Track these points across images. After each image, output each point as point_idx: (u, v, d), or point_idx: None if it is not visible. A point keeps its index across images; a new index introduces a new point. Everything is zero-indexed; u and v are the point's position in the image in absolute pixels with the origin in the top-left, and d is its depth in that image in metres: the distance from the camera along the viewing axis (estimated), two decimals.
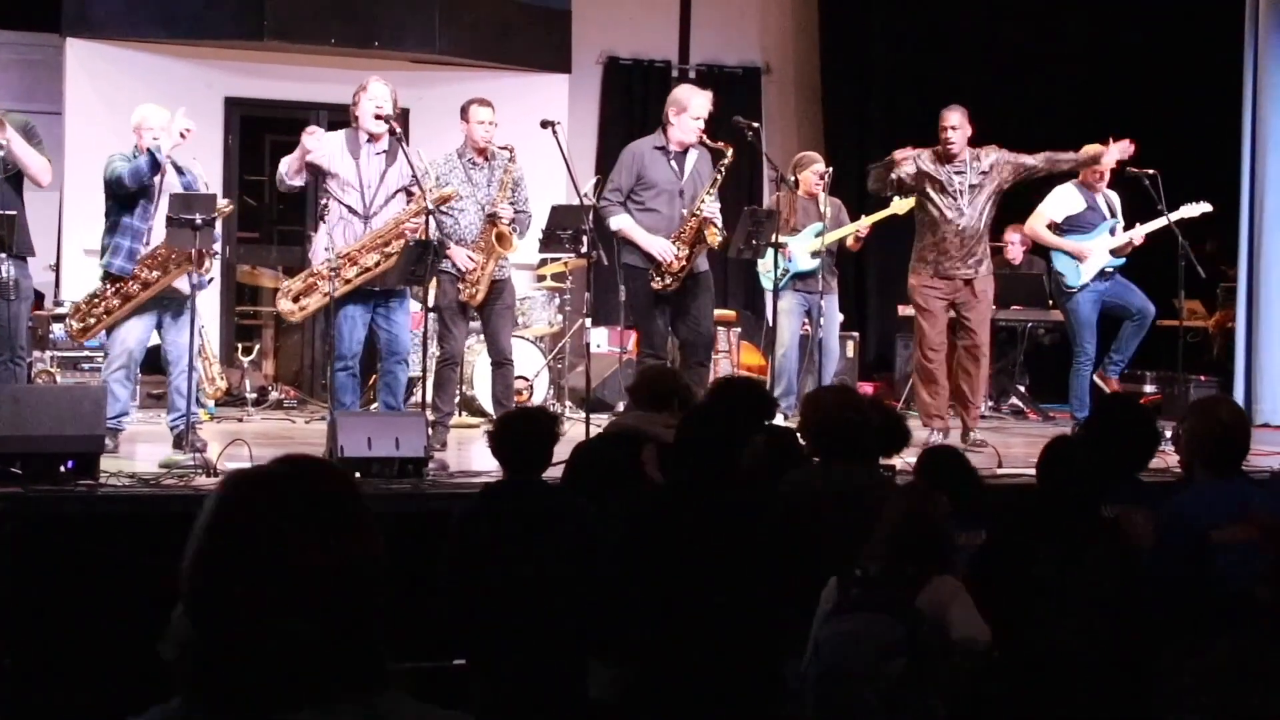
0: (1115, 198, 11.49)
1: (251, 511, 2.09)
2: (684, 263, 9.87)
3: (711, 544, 5.28)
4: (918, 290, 10.66)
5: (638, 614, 5.32)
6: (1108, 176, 11.37)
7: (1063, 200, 11.43)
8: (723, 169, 9.97)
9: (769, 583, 5.27)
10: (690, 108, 9.98)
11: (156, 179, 9.28)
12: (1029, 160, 10.62)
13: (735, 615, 5.18)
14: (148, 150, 9.19)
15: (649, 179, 9.98)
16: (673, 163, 10.01)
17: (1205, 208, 11.40)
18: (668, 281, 9.88)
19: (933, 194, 10.55)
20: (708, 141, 10.00)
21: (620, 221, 9.92)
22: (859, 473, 5.91)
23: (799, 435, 6.29)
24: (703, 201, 9.88)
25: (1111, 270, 11.37)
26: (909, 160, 10.62)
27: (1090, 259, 11.26)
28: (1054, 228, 11.44)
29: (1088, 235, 11.32)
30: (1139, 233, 11.29)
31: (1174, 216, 11.11)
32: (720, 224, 9.94)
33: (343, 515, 2.12)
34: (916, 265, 10.69)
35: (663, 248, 9.83)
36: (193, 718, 2.08)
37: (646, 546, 5.37)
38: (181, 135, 9.20)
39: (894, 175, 10.66)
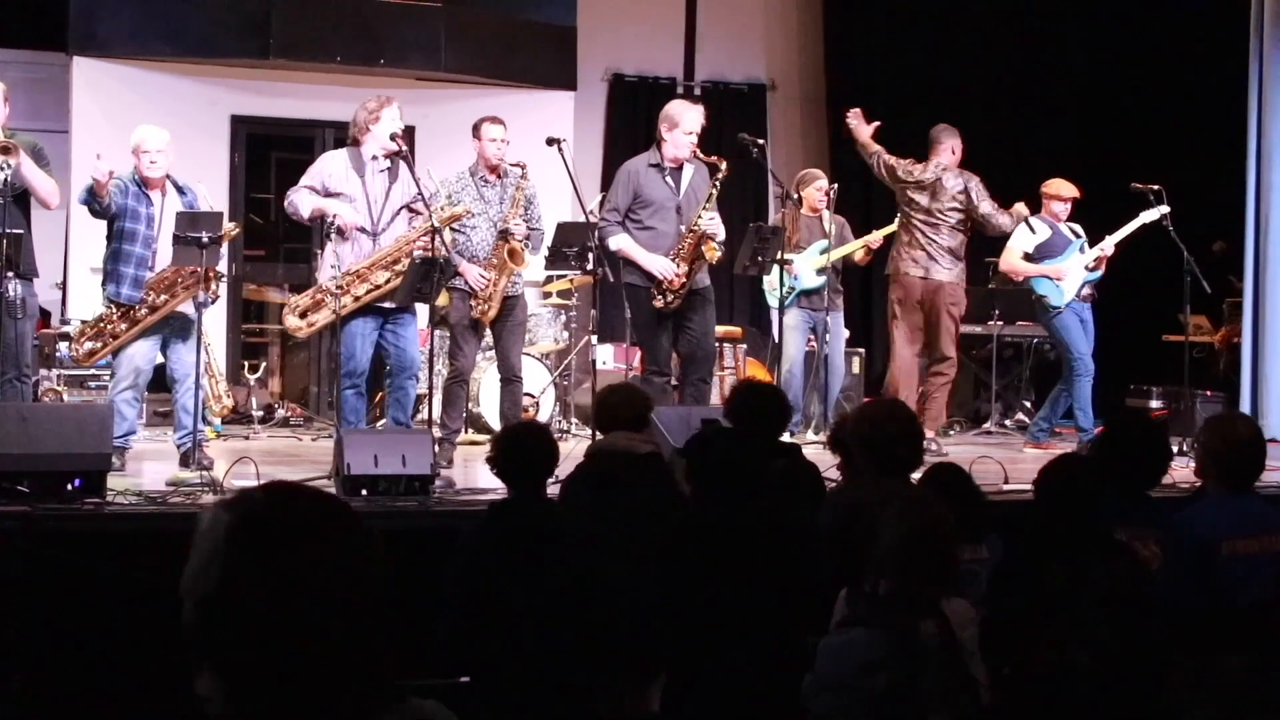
0: (1078, 228, 11.62)
1: (266, 539, 2.08)
2: (684, 279, 9.88)
3: (744, 557, 5.31)
4: None
5: (671, 627, 5.34)
6: (1068, 209, 11.53)
7: (1028, 233, 11.52)
8: (718, 183, 9.96)
9: (803, 597, 5.29)
10: (682, 123, 9.98)
11: (155, 205, 9.32)
12: None
13: (769, 629, 5.20)
14: (90, 184, 9.28)
15: (646, 196, 9.99)
16: (668, 179, 10.02)
17: (1163, 209, 11.40)
18: (669, 299, 9.89)
19: None
20: (701, 155, 10.00)
21: (619, 241, 9.93)
22: (903, 487, 5.91)
23: (843, 448, 6.29)
24: (699, 217, 9.89)
25: (1091, 290, 11.44)
26: None
27: (1068, 278, 11.35)
28: (1026, 258, 11.54)
29: (1059, 259, 11.42)
30: (1109, 243, 11.41)
31: (1133, 225, 11.26)
32: (720, 238, 9.95)
33: (351, 537, 2.12)
34: None
35: (662, 266, 9.85)
36: None
37: (682, 560, 5.38)
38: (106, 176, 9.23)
39: None
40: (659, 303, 9.89)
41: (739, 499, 5.51)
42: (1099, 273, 11.46)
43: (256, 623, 2.04)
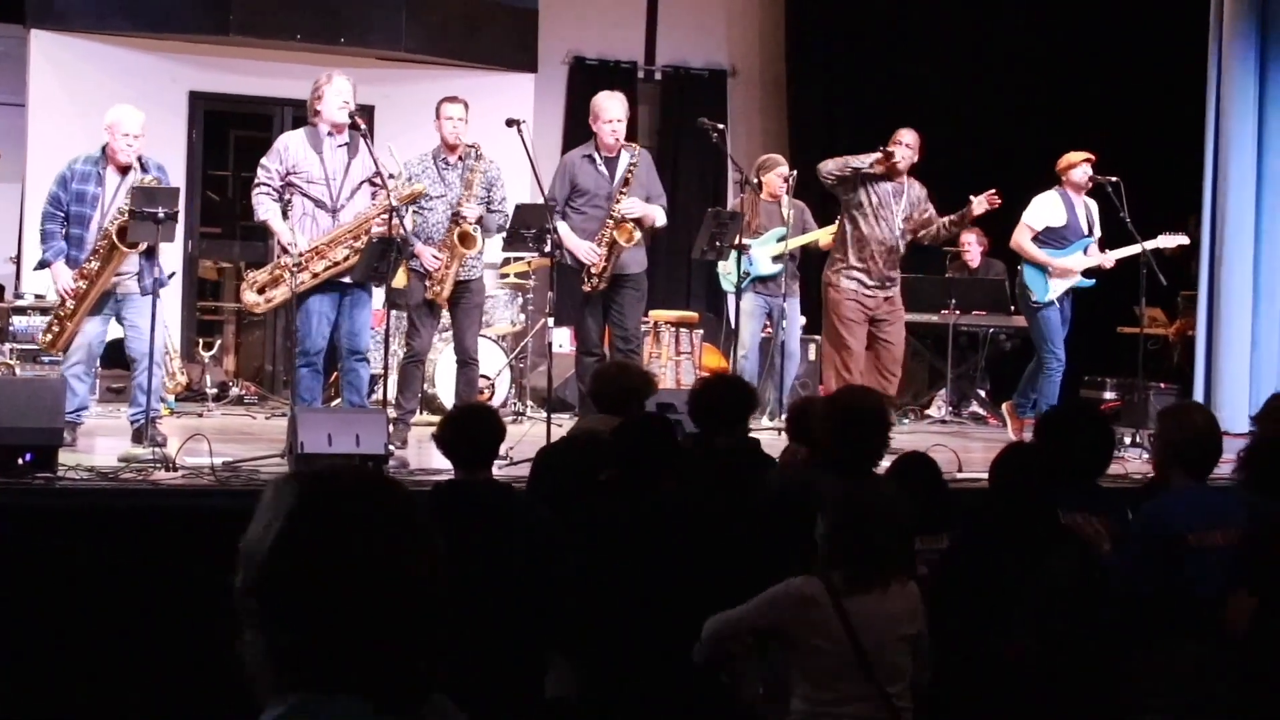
0: (1094, 206, 11.47)
1: (329, 519, 2.10)
2: (605, 264, 10.14)
3: (686, 545, 5.32)
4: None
5: (602, 613, 5.34)
6: (1089, 172, 11.29)
7: (1044, 209, 11.36)
8: (632, 169, 10.20)
9: (734, 588, 5.30)
10: (603, 113, 10.28)
11: (107, 186, 9.27)
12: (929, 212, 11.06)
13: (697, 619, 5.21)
14: (44, 262, 9.36)
15: (580, 186, 10.28)
16: (602, 168, 10.28)
17: (1182, 240, 11.51)
18: (594, 283, 10.19)
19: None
20: (623, 142, 10.29)
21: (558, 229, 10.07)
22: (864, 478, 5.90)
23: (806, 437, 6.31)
24: (618, 203, 10.11)
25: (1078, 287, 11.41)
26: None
27: (1060, 277, 11.25)
28: (1035, 239, 11.40)
29: (1062, 252, 11.30)
30: (1110, 257, 11.31)
31: (1149, 245, 11.14)
32: (634, 215, 10.18)
33: (411, 525, 2.15)
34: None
35: (585, 251, 10.13)
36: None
37: (620, 546, 5.39)
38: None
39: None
40: (586, 286, 10.21)
41: (656, 485, 5.54)
42: (1091, 281, 11.39)
43: (301, 590, 2.07)
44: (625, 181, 10.17)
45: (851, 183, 10.80)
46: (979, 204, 10.71)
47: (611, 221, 10.09)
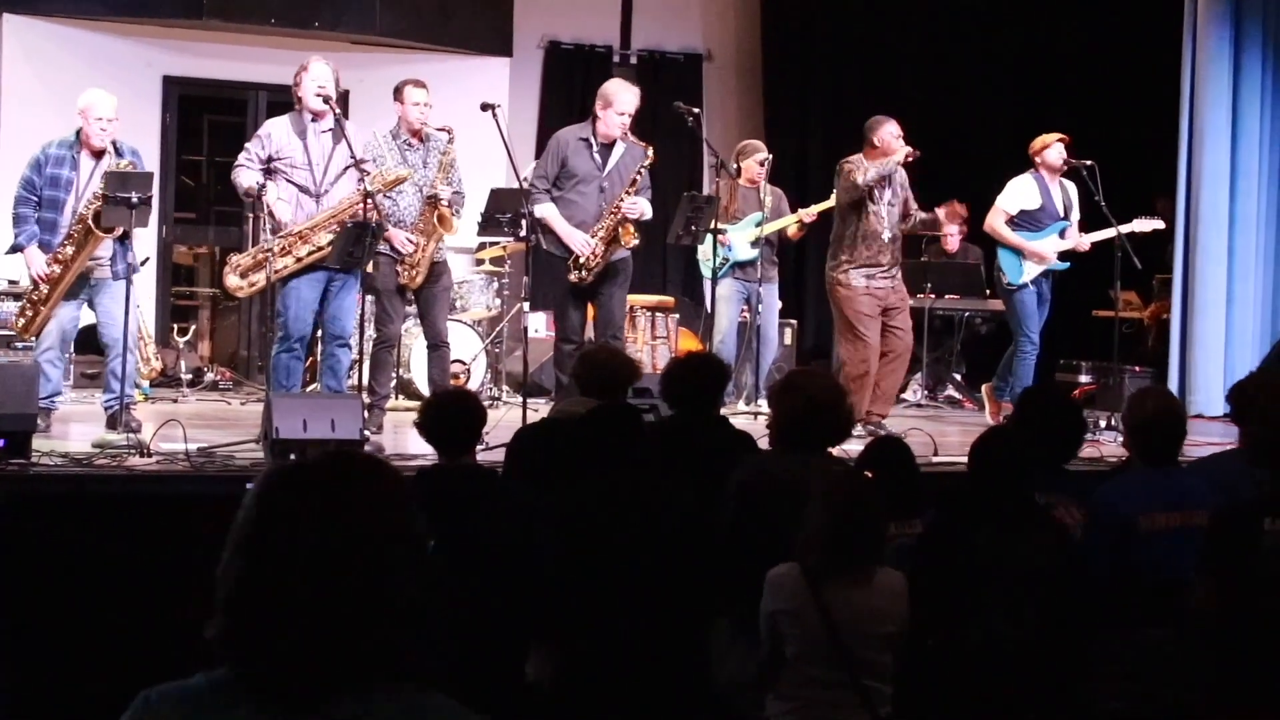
0: (1072, 188, 11.47)
1: (287, 503, 2.12)
2: (599, 259, 9.98)
3: (654, 529, 5.31)
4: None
5: (574, 597, 5.34)
6: (1063, 154, 11.26)
7: (1019, 193, 11.36)
8: (643, 171, 10.06)
9: (707, 571, 5.30)
10: (615, 103, 10.06)
11: (82, 170, 9.24)
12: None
13: (670, 601, 5.20)
14: (17, 246, 9.36)
15: (571, 168, 10.09)
16: (596, 154, 10.12)
17: (1157, 224, 11.53)
18: (583, 275, 10.00)
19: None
20: (633, 138, 10.14)
21: (544, 210, 10.00)
22: (817, 461, 5.90)
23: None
24: (622, 200, 9.96)
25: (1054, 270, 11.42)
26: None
27: (1035, 260, 11.25)
28: (1010, 222, 11.40)
29: (1037, 235, 11.30)
30: (1085, 241, 11.32)
31: (1124, 229, 11.16)
32: (646, 216, 10.08)
33: (380, 508, 2.14)
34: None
35: (581, 242, 9.95)
36: (236, 691, 2.10)
37: (589, 530, 5.38)
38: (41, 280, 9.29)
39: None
40: (574, 277, 10.02)
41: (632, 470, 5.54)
42: (1065, 264, 11.39)
43: (260, 564, 2.08)
44: (633, 182, 10.02)
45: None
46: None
47: (613, 218, 9.94)
